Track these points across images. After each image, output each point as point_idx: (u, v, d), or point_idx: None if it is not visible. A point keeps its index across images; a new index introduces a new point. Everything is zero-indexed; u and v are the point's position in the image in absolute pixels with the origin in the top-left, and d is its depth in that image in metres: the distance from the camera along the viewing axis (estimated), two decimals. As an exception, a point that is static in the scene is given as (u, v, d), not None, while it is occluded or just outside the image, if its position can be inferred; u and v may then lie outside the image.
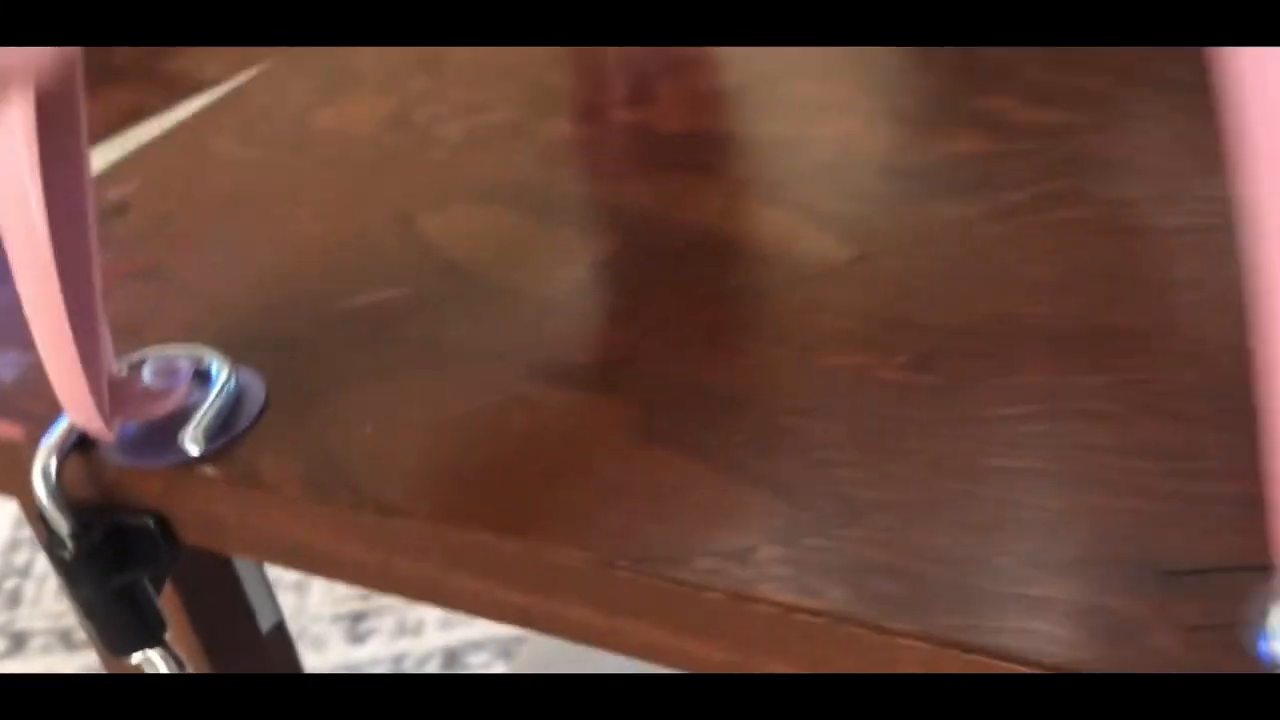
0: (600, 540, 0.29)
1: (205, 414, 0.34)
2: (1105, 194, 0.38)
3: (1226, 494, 0.28)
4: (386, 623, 1.07)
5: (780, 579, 0.28)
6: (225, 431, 0.34)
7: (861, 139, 0.43)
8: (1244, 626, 0.24)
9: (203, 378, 0.35)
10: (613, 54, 0.53)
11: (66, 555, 0.34)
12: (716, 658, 0.28)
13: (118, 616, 0.36)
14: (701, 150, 0.45)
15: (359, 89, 0.53)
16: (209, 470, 0.33)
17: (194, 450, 0.34)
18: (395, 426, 0.34)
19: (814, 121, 0.45)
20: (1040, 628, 0.26)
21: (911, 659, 0.26)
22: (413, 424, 0.34)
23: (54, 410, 0.34)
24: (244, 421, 0.35)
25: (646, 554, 0.29)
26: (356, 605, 1.09)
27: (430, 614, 1.06)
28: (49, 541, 0.35)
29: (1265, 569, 0.25)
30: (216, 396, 0.35)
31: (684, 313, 0.36)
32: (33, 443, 0.35)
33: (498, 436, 0.33)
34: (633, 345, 0.36)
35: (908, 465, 0.30)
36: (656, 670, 0.29)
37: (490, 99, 0.50)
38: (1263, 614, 0.24)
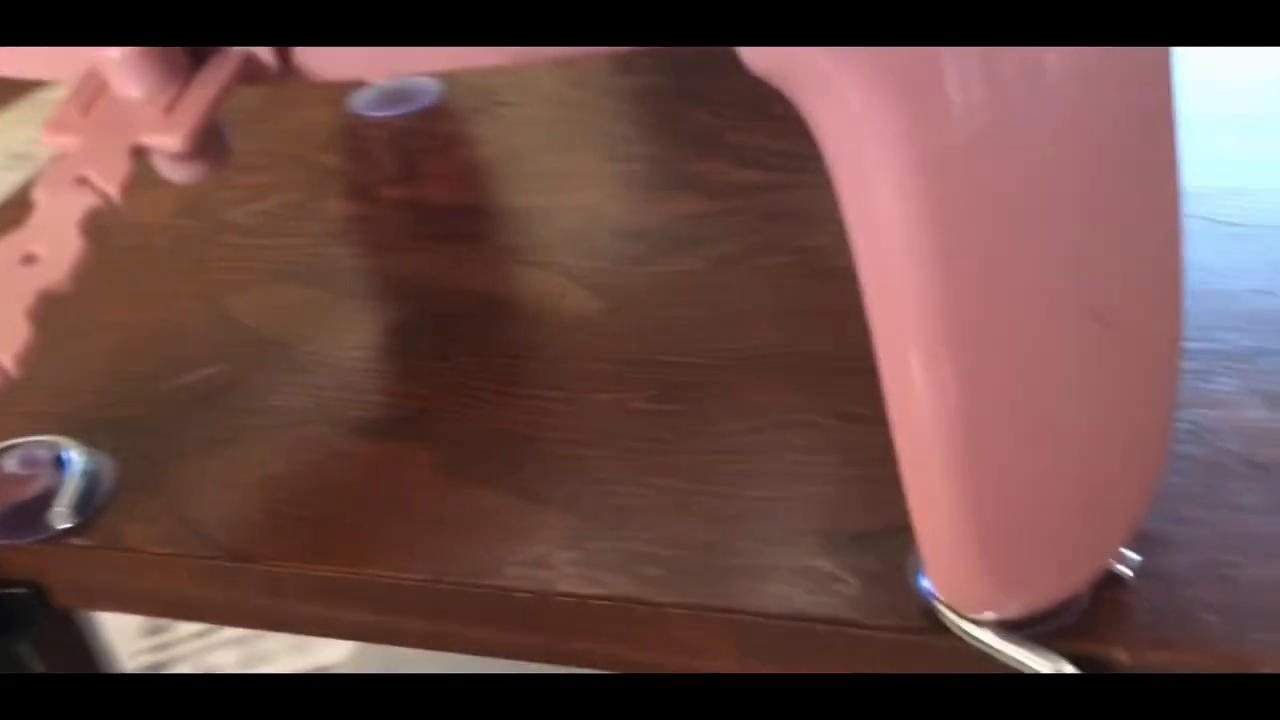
0: (425, 563, 0.37)
1: (68, 493, 0.40)
2: (801, 242, 0.48)
3: (890, 475, 0.37)
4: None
5: (573, 576, 0.36)
6: (88, 506, 0.40)
7: (602, 205, 0.52)
8: (909, 570, 0.34)
9: (60, 461, 0.41)
10: (378, 133, 0.60)
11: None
12: (533, 644, 0.36)
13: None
14: (468, 221, 0.53)
15: (149, 178, 0.58)
16: (79, 541, 0.39)
17: (63, 524, 0.39)
18: (235, 486, 0.40)
19: (561, 190, 0.53)
20: (770, 588, 0.34)
21: (680, 624, 0.35)
22: (250, 483, 0.40)
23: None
24: (102, 496, 0.40)
25: (465, 570, 0.36)
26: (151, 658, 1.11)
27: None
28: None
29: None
30: (75, 477, 0.40)
31: (473, 367, 0.44)
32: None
33: (325, 487, 0.40)
34: (432, 398, 0.43)
35: (663, 476, 0.38)
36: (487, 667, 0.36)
37: (273, 182, 0.57)
38: (919, 560, 0.34)
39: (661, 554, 0.36)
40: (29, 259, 0.20)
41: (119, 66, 0.21)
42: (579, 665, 0.37)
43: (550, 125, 0.58)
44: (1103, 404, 0.29)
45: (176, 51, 0.21)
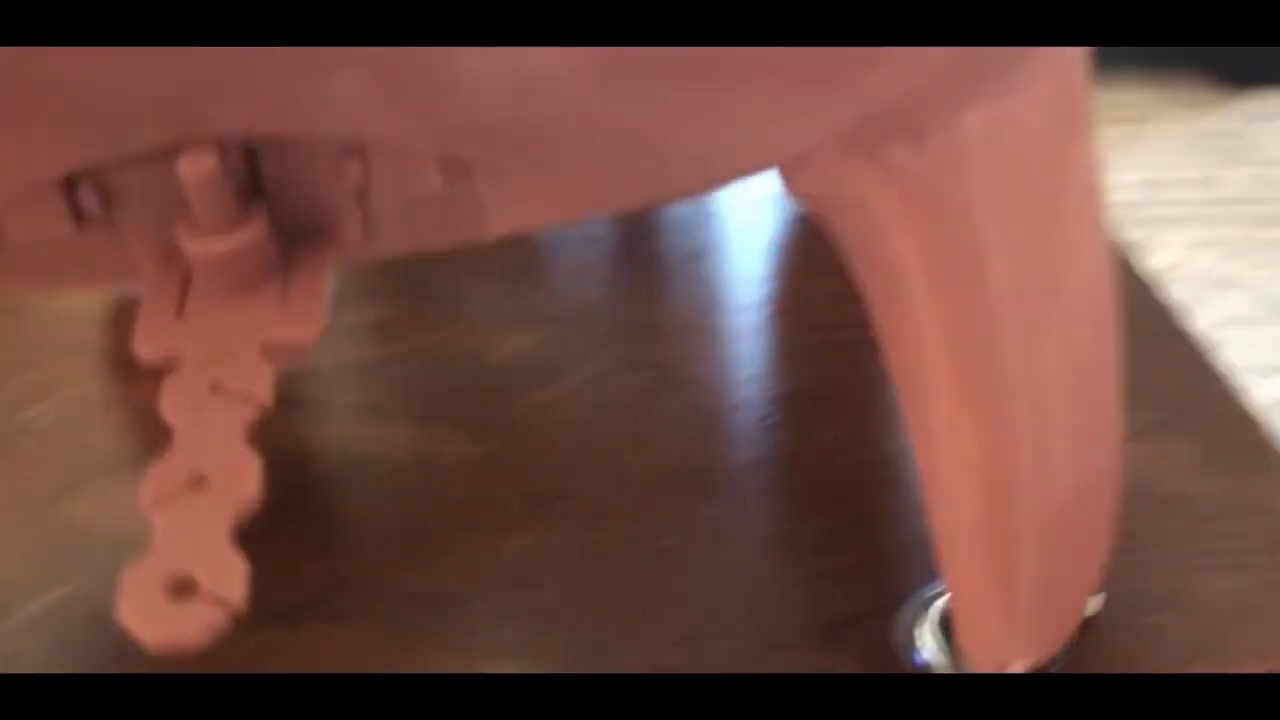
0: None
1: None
2: (651, 356, 0.49)
3: (837, 562, 0.39)
4: None
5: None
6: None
7: (445, 345, 0.51)
8: (898, 651, 0.35)
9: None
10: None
11: None
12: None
13: None
14: (309, 385, 0.50)
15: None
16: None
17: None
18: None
19: (391, 340, 0.52)
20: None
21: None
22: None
23: None
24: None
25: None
26: None
27: None
28: None
29: (891, 609, 0.36)
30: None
31: (372, 537, 0.42)
32: None
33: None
34: (364, 561, 0.40)
35: (620, 603, 0.38)
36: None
37: (65, 373, 0.52)
38: (909, 638, 0.35)
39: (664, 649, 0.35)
40: (199, 481, 0.18)
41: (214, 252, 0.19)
42: None
43: (352, 276, 0.57)
44: (1093, 436, 0.32)
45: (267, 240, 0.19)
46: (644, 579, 0.39)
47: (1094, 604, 0.35)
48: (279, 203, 0.19)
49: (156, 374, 0.52)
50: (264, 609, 0.39)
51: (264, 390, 0.19)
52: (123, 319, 0.56)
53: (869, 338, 0.49)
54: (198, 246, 0.19)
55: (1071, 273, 0.30)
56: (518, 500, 0.42)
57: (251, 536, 0.43)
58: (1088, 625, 0.35)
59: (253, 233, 0.19)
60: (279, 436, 0.47)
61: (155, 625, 0.17)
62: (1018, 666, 0.33)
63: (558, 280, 0.54)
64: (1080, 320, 0.31)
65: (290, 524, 0.43)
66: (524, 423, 0.46)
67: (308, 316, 0.20)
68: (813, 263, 0.54)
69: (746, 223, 0.57)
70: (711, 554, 0.39)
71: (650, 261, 0.56)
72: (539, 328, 0.51)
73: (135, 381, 0.51)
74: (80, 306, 0.57)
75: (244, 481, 0.18)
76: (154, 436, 0.48)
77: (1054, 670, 0.34)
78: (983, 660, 0.33)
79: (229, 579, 0.17)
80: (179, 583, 0.17)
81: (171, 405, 0.19)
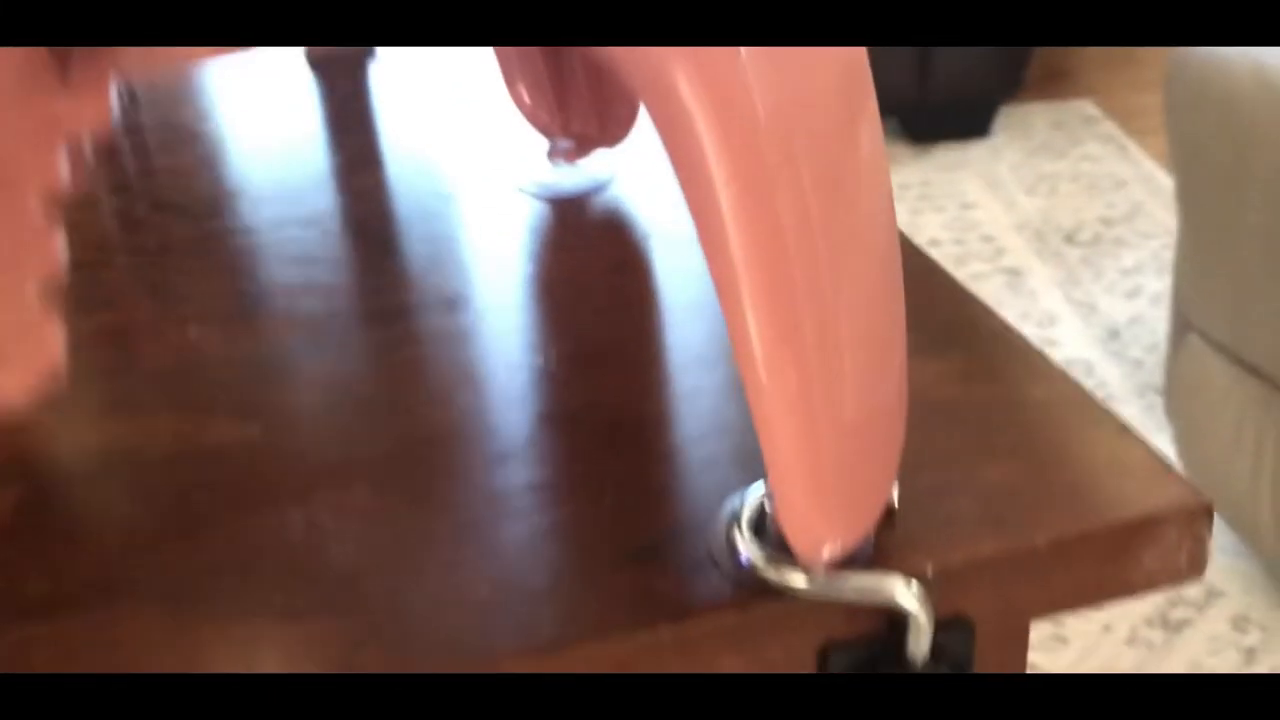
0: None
1: None
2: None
3: (635, 497, 0.38)
4: None
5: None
6: None
7: (201, 338, 0.48)
8: (719, 558, 0.35)
9: None
10: None
11: None
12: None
13: None
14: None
15: None
16: None
17: None
18: None
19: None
20: (592, 612, 0.34)
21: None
22: None
23: None
24: None
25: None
26: None
27: None
28: None
29: (694, 528, 0.36)
30: None
31: (133, 524, 0.39)
32: None
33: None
34: (135, 545, 0.37)
35: (424, 550, 0.36)
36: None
37: None
38: (727, 543, 0.35)
39: (480, 614, 0.34)
40: None
41: None
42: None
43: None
44: (888, 327, 0.33)
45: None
46: (439, 533, 0.37)
47: (893, 495, 0.36)
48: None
49: None
50: (27, 604, 0.36)
51: (56, 166, 0.17)
52: None
53: (632, 302, 0.49)
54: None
55: (861, 222, 0.32)
56: (293, 476, 0.40)
57: (23, 535, 0.39)
58: (889, 514, 0.36)
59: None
60: (34, 441, 0.43)
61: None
62: (830, 550, 0.33)
63: (308, 268, 0.52)
64: (869, 266, 0.32)
65: (51, 522, 0.39)
66: (296, 399, 0.44)
67: (95, 102, 0.18)
68: (571, 242, 0.55)
69: (501, 209, 0.57)
70: (506, 504, 0.38)
71: (400, 246, 0.54)
72: (297, 311, 0.49)
73: None
74: None
75: (47, 251, 0.16)
76: None
77: (865, 554, 0.35)
78: (801, 545, 0.33)
79: (44, 338, 0.15)
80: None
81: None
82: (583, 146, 0.59)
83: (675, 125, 0.29)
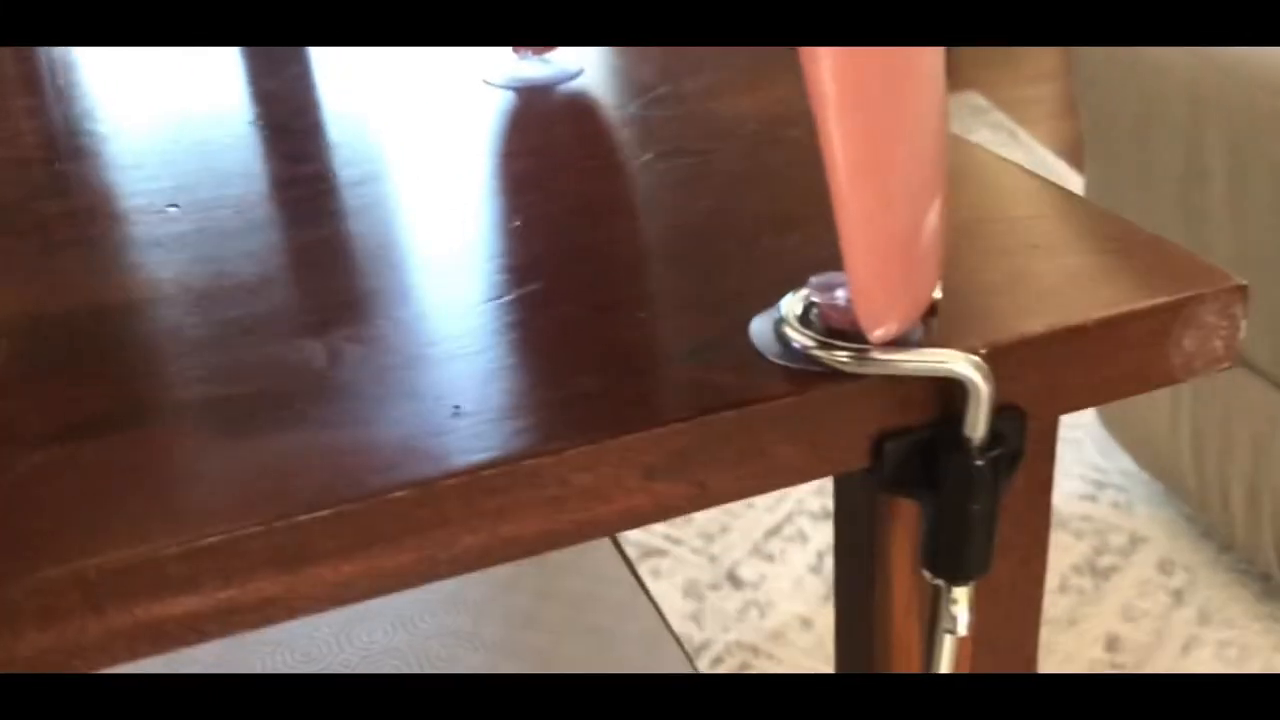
0: (240, 513, 0.30)
1: None
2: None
3: (674, 308, 0.37)
4: None
5: (409, 478, 0.31)
6: None
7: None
8: (770, 351, 0.34)
9: None
10: None
11: None
12: (415, 560, 0.31)
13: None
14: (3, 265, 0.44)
15: None
16: None
17: None
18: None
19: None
20: (649, 406, 0.33)
21: (580, 465, 0.32)
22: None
23: None
24: None
25: (302, 499, 0.30)
26: None
27: None
28: None
29: (743, 329, 0.35)
30: None
31: (145, 361, 0.37)
32: None
33: (53, 494, 0.31)
34: (123, 394, 0.35)
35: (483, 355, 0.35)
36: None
37: None
38: (778, 338, 0.34)
39: (530, 412, 0.33)
40: None
41: None
42: (467, 568, 0.32)
43: (11, 183, 0.50)
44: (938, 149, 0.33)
45: None
46: (479, 346, 0.36)
47: (937, 292, 0.36)
48: None
49: None
50: (38, 434, 0.33)
51: None
52: None
53: (614, 164, 0.48)
54: None
55: (923, 77, 0.33)
56: (311, 310, 0.38)
57: (18, 380, 0.36)
58: (932, 310, 0.35)
59: None
60: (23, 304, 0.41)
61: None
62: (893, 329, 0.33)
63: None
64: (924, 107, 0.33)
65: (55, 366, 0.37)
66: (293, 257, 0.42)
67: None
68: (546, 120, 0.53)
69: (471, 103, 0.56)
70: (545, 323, 0.37)
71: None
72: (282, 181, 0.47)
73: None
74: None
75: None
76: None
77: (916, 337, 0.34)
78: (867, 320, 0.32)
79: None
80: None
81: None
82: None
83: None
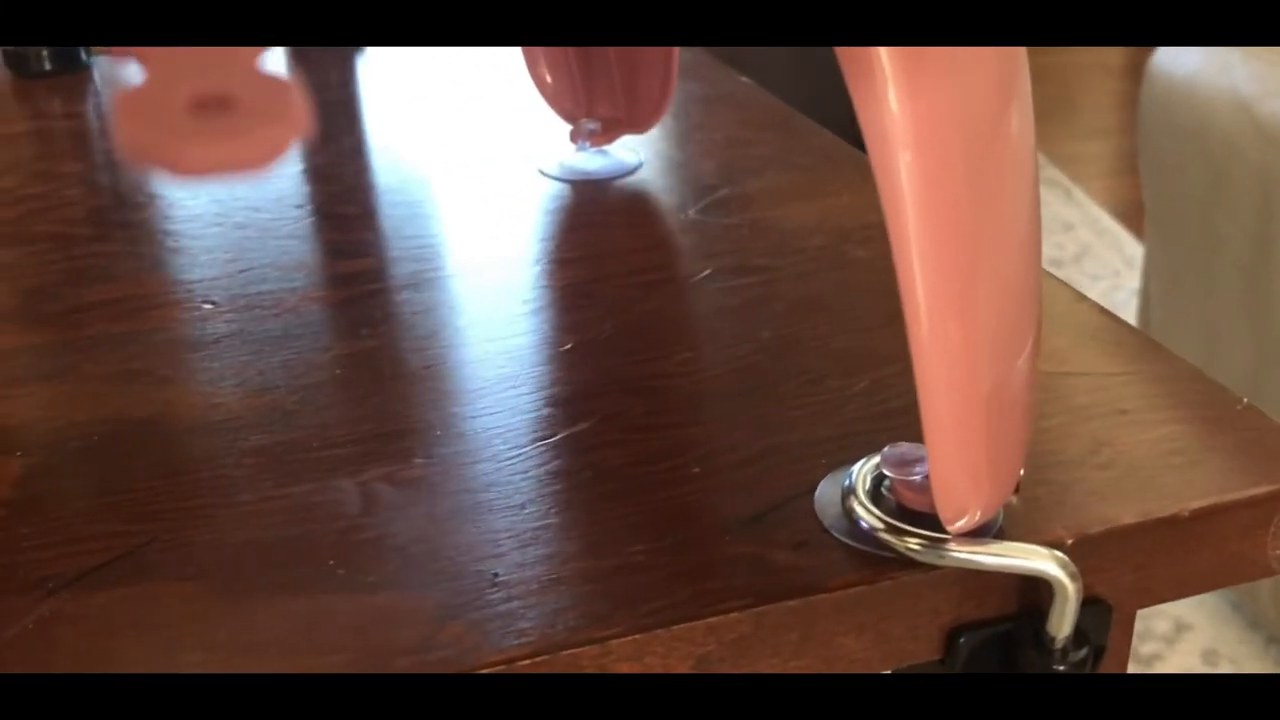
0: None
1: None
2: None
3: (734, 463, 0.35)
4: None
5: (482, 646, 0.29)
6: None
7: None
8: (836, 527, 0.32)
9: None
10: None
11: None
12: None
13: None
14: (30, 361, 0.42)
15: None
16: None
17: None
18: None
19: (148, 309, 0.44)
20: (703, 588, 0.30)
21: (627, 654, 0.29)
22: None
23: None
24: None
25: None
26: None
27: None
28: None
29: (806, 495, 0.33)
30: None
31: (163, 489, 0.34)
32: None
33: (55, 651, 0.29)
34: (134, 533, 0.33)
35: (507, 520, 0.32)
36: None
37: None
38: (845, 514, 0.32)
39: (572, 586, 0.30)
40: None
41: None
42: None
43: (50, 264, 0.49)
44: (1030, 301, 0.30)
45: None
46: (520, 499, 0.33)
47: (1022, 468, 0.33)
48: None
49: None
50: (48, 578, 0.31)
51: None
52: None
53: (676, 277, 0.46)
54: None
55: (1014, 202, 0.31)
56: (347, 441, 0.36)
57: (20, 506, 0.34)
58: (1015, 488, 0.33)
59: None
60: (39, 412, 0.39)
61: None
62: (970, 518, 0.30)
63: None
64: (1020, 243, 0.31)
65: (56, 492, 0.35)
66: (330, 374, 0.40)
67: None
68: (603, 220, 0.51)
69: (526, 196, 0.53)
70: (592, 472, 0.35)
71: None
72: (324, 281, 0.45)
73: None
74: None
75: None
76: None
77: (993, 529, 0.31)
78: (947, 510, 0.30)
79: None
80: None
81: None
82: (609, 130, 0.56)
83: (871, 100, 0.27)
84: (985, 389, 0.29)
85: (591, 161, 0.56)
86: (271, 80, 0.17)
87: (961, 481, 0.30)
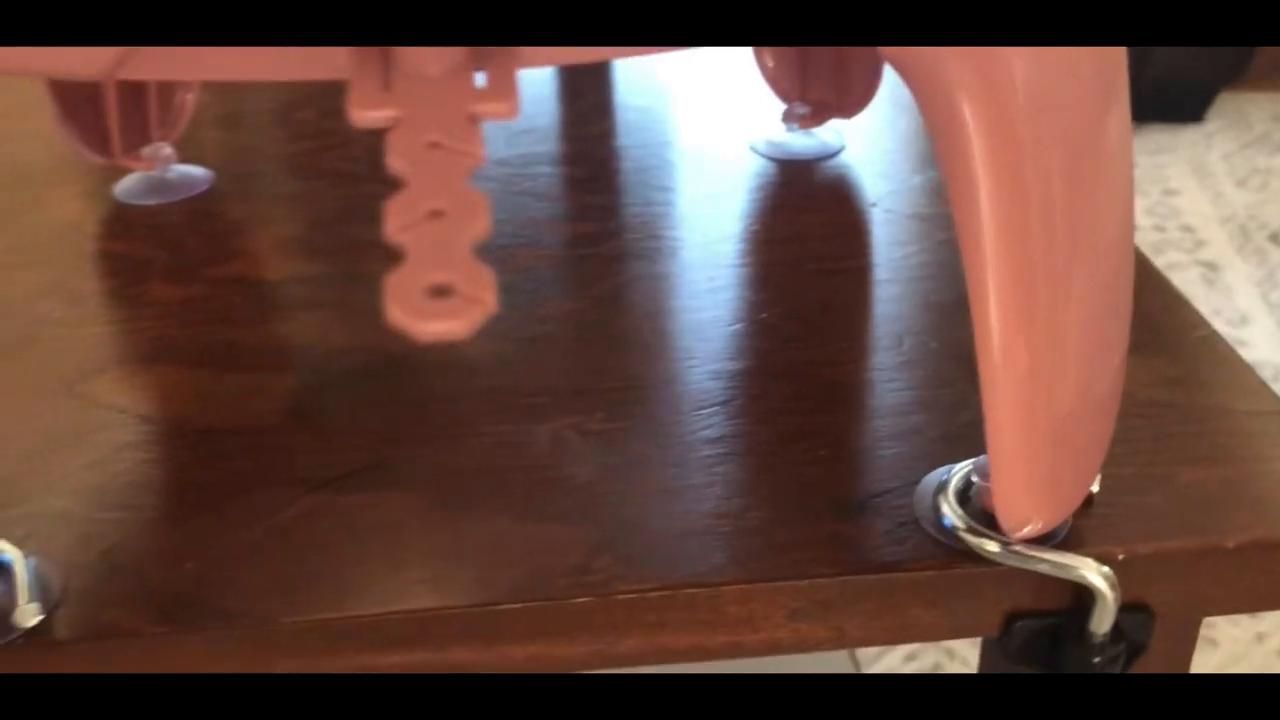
0: (459, 592, 0.36)
1: (25, 591, 0.35)
2: (645, 273, 0.52)
3: (853, 452, 0.42)
4: None
5: (622, 575, 0.37)
6: (48, 600, 0.36)
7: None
8: (923, 520, 0.38)
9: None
10: (158, 219, 0.57)
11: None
12: (586, 652, 0.37)
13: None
14: (312, 290, 0.52)
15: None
16: (63, 633, 0.35)
17: (31, 621, 0.35)
18: (209, 558, 0.38)
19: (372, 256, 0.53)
20: (803, 555, 0.37)
21: (733, 600, 0.37)
22: (223, 553, 0.38)
23: None
24: (58, 590, 0.36)
25: (506, 591, 0.36)
26: None
27: None
28: None
29: (911, 485, 0.39)
30: (26, 576, 0.36)
31: (404, 416, 0.44)
32: None
33: (308, 542, 0.38)
34: (377, 449, 0.42)
35: (652, 478, 0.40)
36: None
37: (63, 275, 0.53)
38: (933, 508, 0.38)
39: (700, 539, 0.38)
40: (437, 214, 0.20)
41: (422, 55, 0.21)
42: (629, 665, 0.38)
43: (331, 200, 0.58)
44: (1113, 324, 0.35)
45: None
46: (673, 460, 0.41)
47: (1095, 485, 0.39)
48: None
49: (179, 278, 0.53)
50: (308, 479, 0.41)
51: (479, 148, 0.21)
52: (112, 231, 0.57)
53: (853, 268, 0.52)
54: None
55: (1101, 218, 0.34)
56: (540, 394, 0.45)
57: (294, 417, 0.44)
58: (1089, 501, 0.39)
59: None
60: (312, 332, 0.49)
61: (423, 321, 0.19)
62: (1032, 528, 0.36)
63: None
64: (1104, 263, 0.35)
65: (323, 408, 0.45)
66: (545, 329, 0.49)
67: (504, 96, 0.22)
68: (800, 204, 0.58)
69: (735, 172, 0.60)
70: (735, 444, 0.42)
71: (648, 198, 0.58)
72: (535, 252, 0.54)
73: (161, 282, 0.52)
74: (73, 215, 0.58)
75: (478, 214, 0.20)
76: (191, 329, 0.49)
77: (1060, 535, 0.37)
78: (1007, 520, 0.36)
79: (482, 284, 0.19)
80: (437, 288, 0.19)
81: (397, 157, 0.21)
82: (818, 114, 0.62)
83: (943, 112, 0.31)
84: (1050, 412, 0.34)
85: (798, 141, 0.62)
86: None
87: (1021, 496, 0.36)
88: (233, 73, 0.26)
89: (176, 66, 0.26)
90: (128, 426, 0.43)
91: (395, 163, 0.21)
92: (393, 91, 0.22)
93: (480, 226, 0.20)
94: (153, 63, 0.25)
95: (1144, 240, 2.07)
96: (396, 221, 0.20)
